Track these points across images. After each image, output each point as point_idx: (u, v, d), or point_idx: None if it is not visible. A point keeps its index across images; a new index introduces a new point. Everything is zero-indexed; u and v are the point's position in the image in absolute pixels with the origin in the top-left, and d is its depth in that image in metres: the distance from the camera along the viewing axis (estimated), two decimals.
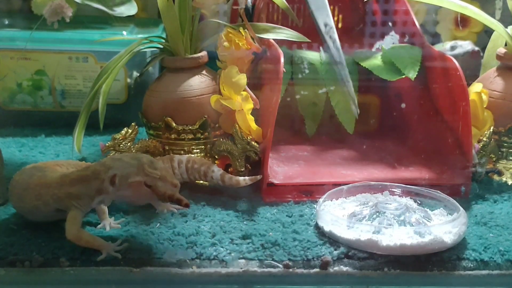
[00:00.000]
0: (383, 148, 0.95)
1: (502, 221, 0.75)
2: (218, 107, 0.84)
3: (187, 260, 0.67)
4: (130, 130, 0.84)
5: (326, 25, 0.89)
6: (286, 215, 0.76)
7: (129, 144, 0.84)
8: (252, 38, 0.86)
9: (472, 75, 1.01)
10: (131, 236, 0.70)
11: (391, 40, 1.00)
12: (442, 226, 0.68)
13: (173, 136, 0.85)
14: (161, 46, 0.89)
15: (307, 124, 0.97)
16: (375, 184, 0.80)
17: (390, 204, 0.73)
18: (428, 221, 0.71)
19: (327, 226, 0.71)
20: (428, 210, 0.75)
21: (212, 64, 0.89)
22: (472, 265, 0.67)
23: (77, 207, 0.68)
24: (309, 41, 0.89)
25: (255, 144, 0.81)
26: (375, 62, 0.94)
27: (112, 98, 1.01)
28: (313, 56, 0.96)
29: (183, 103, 0.84)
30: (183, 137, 0.85)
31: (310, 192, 0.81)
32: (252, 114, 0.82)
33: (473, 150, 0.82)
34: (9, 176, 0.77)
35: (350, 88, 0.91)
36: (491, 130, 0.86)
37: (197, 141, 0.86)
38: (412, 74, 0.89)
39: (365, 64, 0.93)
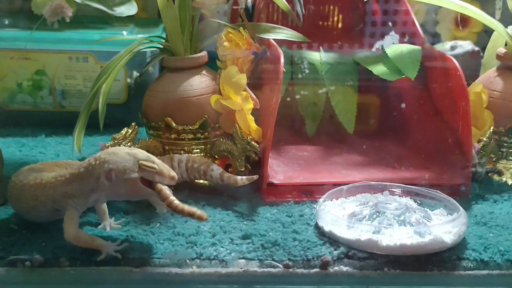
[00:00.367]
0: (383, 148, 0.95)
1: (502, 221, 0.75)
2: (218, 107, 0.84)
3: (187, 260, 0.67)
4: (130, 130, 0.84)
5: None
6: (286, 215, 0.76)
7: (129, 144, 0.84)
8: (252, 38, 0.86)
9: (472, 75, 1.01)
10: (131, 236, 0.70)
11: (391, 40, 1.00)
12: (442, 226, 0.68)
13: (173, 136, 0.85)
14: (161, 46, 0.89)
15: (307, 124, 0.97)
16: (375, 184, 0.80)
17: (390, 204, 0.73)
18: (428, 221, 0.71)
19: (327, 226, 0.71)
20: (428, 210, 0.75)
21: (212, 64, 0.89)
22: (472, 265, 0.67)
23: (74, 206, 0.67)
24: (309, 41, 0.89)
25: (255, 144, 0.81)
26: (375, 62, 0.94)
27: (112, 98, 1.01)
28: (313, 56, 0.96)
29: (183, 103, 0.84)
30: (183, 137, 0.85)
31: (310, 192, 0.81)
32: (252, 114, 0.82)
33: (473, 150, 0.82)
34: (9, 176, 0.77)
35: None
36: (491, 130, 0.86)
37: (197, 141, 0.86)
38: (412, 74, 0.89)
39: (365, 64, 0.93)
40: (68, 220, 0.67)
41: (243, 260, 0.67)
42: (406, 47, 0.95)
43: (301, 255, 0.67)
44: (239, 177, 0.79)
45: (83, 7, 1.06)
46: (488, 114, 0.88)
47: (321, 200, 0.75)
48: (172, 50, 0.87)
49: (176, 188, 0.73)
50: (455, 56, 0.93)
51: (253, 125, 0.82)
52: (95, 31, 1.08)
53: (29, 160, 0.92)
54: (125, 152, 0.66)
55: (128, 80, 1.07)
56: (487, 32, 1.19)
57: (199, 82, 0.86)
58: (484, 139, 0.85)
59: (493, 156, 0.88)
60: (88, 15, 1.13)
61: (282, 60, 0.80)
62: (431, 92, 0.92)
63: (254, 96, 0.84)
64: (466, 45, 1.10)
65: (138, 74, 1.05)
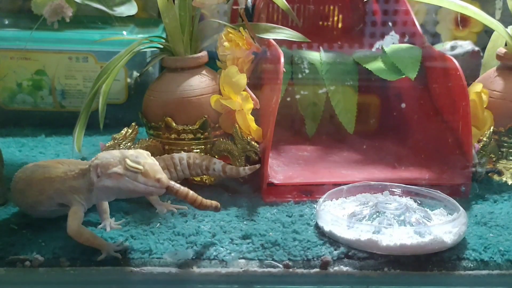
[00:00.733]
0: (383, 148, 0.95)
1: (502, 221, 0.75)
2: (218, 107, 0.84)
3: (187, 260, 0.67)
4: (130, 130, 0.84)
5: None
6: (286, 215, 0.76)
7: (129, 144, 0.84)
8: (252, 38, 0.86)
9: (472, 75, 1.01)
10: (131, 236, 0.70)
11: (391, 40, 1.00)
12: (442, 226, 0.68)
13: (173, 136, 0.85)
14: (161, 46, 0.89)
15: (307, 124, 0.97)
16: (375, 184, 0.80)
17: (390, 204, 0.73)
18: (428, 221, 0.71)
19: (327, 226, 0.71)
20: (428, 210, 0.75)
21: (212, 64, 0.89)
22: (472, 265, 0.67)
23: (79, 202, 0.69)
24: (309, 41, 0.89)
25: (255, 144, 0.81)
26: (375, 62, 0.94)
27: (112, 98, 1.01)
28: (313, 56, 0.96)
29: (183, 103, 0.84)
30: (183, 137, 0.85)
31: (310, 192, 0.81)
32: (252, 114, 0.82)
33: (473, 150, 0.82)
34: (9, 176, 0.77)
35: None
36: (491, 130, 0.86)
37: (197, 141, 0.86)
38: (412, 74, 0.89)
39: (365, 64, 0.93)
40: (72, 215, 0.68)
41: (243, 260, 0.67)
42: (406, 47, 0.95)
43: (301, 255, 0.67)
44: (241, 167, 0.80)
45: (83, 7, 1.06)
46: (488, 114, 0.88)
47: (321, 200, 0.75)
48: (172, 50, 0.87)
49: None
50: (455, 56, 0.93)
51: (253, 125, 0.82)
52: (95, 31, 1.08)
53: (29, 160, 0.92)
54: (118, 151, 0.67)
55: (128, 80, 1.07)
56: (487, 32, 1.19)
57: (199, 82, 0.86)
58: (484, 139, 0.85)
59: (493, 156, 0.88)
60: (88, 15, 1.13)
61: (282, 60, 0.80)
62: (431, 92, 0.92)
63: (254, 96, 0.84)
64: (466, 45, 1.10)
65: (138, 74, 1.06)
